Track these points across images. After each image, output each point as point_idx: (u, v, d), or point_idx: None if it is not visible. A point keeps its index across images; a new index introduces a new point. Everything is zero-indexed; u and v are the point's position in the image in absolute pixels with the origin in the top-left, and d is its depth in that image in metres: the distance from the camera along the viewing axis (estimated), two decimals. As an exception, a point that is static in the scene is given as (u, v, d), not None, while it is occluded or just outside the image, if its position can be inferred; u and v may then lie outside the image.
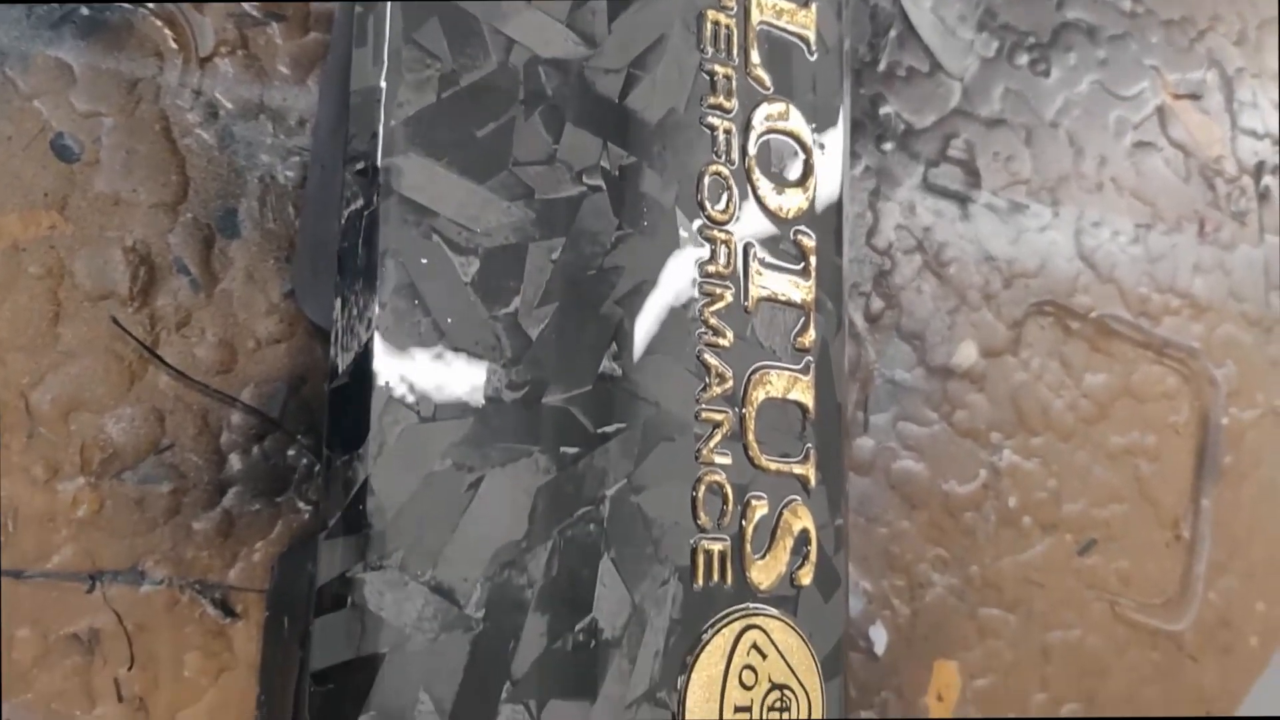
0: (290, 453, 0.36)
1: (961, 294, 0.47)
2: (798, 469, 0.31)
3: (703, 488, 0.29)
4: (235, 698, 0.34)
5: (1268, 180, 0.56)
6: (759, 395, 0.30)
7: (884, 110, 0.47)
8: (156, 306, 0.35)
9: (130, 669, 0.33)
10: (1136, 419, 0.50)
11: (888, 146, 0.47)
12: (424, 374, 0.26)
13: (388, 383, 0.26)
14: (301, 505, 0.35)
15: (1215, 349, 0.53)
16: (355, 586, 0.25)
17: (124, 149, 0.35)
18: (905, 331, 0.46)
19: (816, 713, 0.30)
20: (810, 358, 0.31)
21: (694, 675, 0.28)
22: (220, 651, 0.34)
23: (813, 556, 0.30)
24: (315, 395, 0.36)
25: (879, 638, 0.44)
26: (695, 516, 0.29)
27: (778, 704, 0.29)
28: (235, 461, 0.35)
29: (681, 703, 0.28)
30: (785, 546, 0.30)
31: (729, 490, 0.29)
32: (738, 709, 0.29)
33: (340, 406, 0.27)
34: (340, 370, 0.27)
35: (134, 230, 0.35)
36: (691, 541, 0.28)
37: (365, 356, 0.26)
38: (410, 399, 0.26)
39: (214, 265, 0.35)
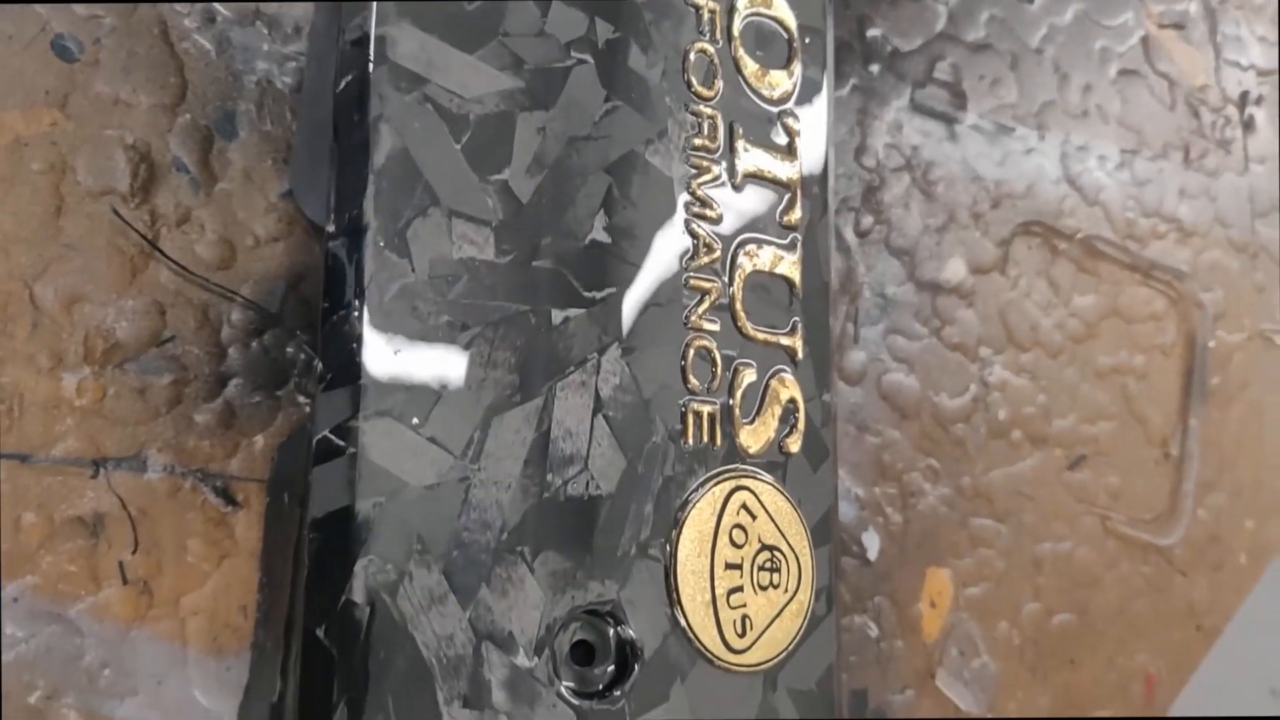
0: (289, 349, 0.36)
1: (950, 212, 0.48)
2: (785, 340, 0.31)
3: (692, 352, 0.29)
4: (237, 583, 0.34)
5: (1252, 110, 0.57)
6: (746, 266, 0.31)
7: (871, 33, 0.48)
8: (156, 204, 0.35)
9: (134, 553, 0.34)
10: (1124, 339, 0.51)
11: (875, 68, 0.48)
12: (417, 235, 0.27)
13: (382, 243, 0.27)
14: (301, 399, 0.36)
15: (1202, 273, 0.54)
16: (352, 435, 0.26)
17: (123, 51, 0.35)
18: (894, 247, 0.46)
19: (806, 577, 0.30)
20: (797, 235, 0.32)
21: (685, 530, 0.28)
22: (222, 539, 0.35)
23: (800, 426, 0.31)
24: (314, 293, 0.36)
25: (871, 543, 0.44)
26: (685, 379, 0.29)
27: (767, 564, 0.30)
28: (235, 355, 0.35)
29: (673, 556, 0.28)
30: (773, 414, 0.31)
31: (717, 356, 0.30)
32: (728, 565, 0.29)
33: (337, 264, 0.27)
34: (336, 230, 0.27)
35: (134, 130, 0.35)
36: (681, 403, 0.29)
37: (359, 218, 0.27)
38: (404, 259, 0.27)
39: (213, 165, 0.36)
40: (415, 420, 0.26)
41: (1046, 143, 0.50)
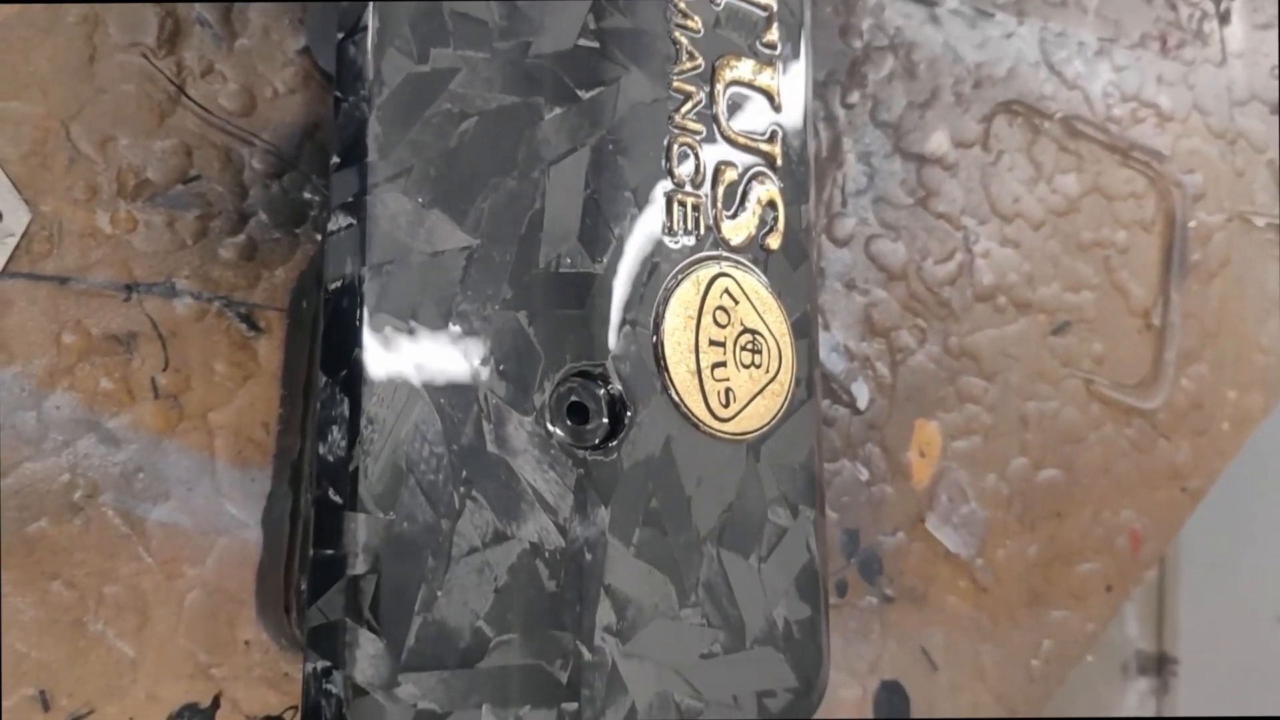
0: (306, 193, 0.39)
1: (932, 90, 0.50)
2: (764, 146, 0.33)
3: (676, 148, 0.31)
4: (260, 402, 0.37)
5: (1228, 4, 0.59)
6: (726, 76, 0.33)
7: (854, -79, 0.50)
8: (182, 56, 0.38)
9: (165, 370, 0.36)
10: (1105, 215, 0.53)
11: (858, -45, 0.50)
12: (420, 27, 0.29)
13: (389, 35, 0.29)
14: (319, 237, 0.38)
15: (1181, 157, 0.56)
16: (361, 206, 0.28)
17: (149, -84, 0.38)
18: (880, 120, 0.48)
19: (787, 361, 0.32)
20: (774, 54, 0.34)
21: (671, 305, 0.30)
22: (246, 361, 0.37)
23: (780, 226, 0.33)
24: (330, 141, 0.39)
25: (861, 393, 0.46)
26: (670, 172, 0.31)
27: (749, 345, 0.32)
28: (256, 194, 0.38)
29: (659, 328, 0.30)
30: (754, 212, 0.33)
31: (701, 154, 0.32)
32: (712, 342, 0.31)
33: (348, 56, 0.29)
34: (345, 34, 0.29)
35: (159, -12, 0.38)
36: (666, 192, 0.31)
37: (364, 19, 0.29)
38: (409, 48, 0.29)
39: (233, 23, 0.38)
40: (420, 198, 0.28)
41: (1025, 28, 0.52)
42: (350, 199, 0.28)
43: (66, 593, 0.34)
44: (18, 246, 0.35)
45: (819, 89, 0.47)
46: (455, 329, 0.28)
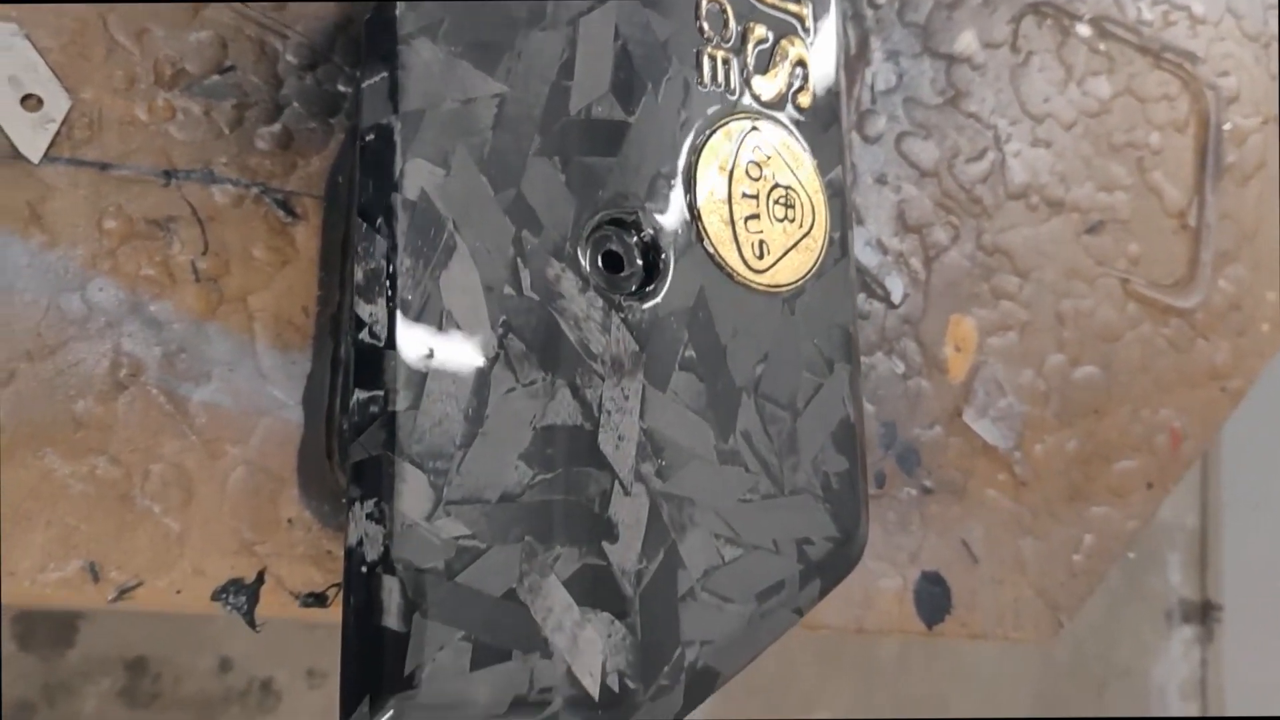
0: (340, 86, 0.39)
1: (960, -9, 0.49)
2: (793, 7, 0.33)
3: (705, 3, 0.32)
4: (299, 286, 0.37)
5: (1258, -92, 0.58)
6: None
7: None
8: (214, -48, 0.38)
9: (205, 254, 0.36)
10: (1138, 117, 0.52)
11: None
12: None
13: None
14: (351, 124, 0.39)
15: (1215, 60, 0.55)
16: (394, 56, 0.28)
17: None
18: (907, 20, 0.48)
19: (820, 217, 0.32)
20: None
21: (704, 156, 0.30)
22: (284, 246, 0.37)
23: (810, 85, 0.33)
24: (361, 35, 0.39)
25: (895, 287, 0.46)
26: (700, 30, 0.31)
27: (782, 199, 0.32)
28: (291, 85, 0.38)
29: (692, 178, 0.30)
30: (784, 70, 0.33)
31: (730, 13, 0.32)
32: (745, 195, 0.31)
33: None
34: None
35: (191, -115, 0.38)
36: (696, 48, 0.31)
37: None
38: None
39: (263, -80, 0.39)
40: (451, 47, 0.29)
41: (1053, -69, 0.52)
42: (384, 51, 0.29)
43: (113, 469, 0.34)
44: (59, 133, 0.35)
45: (846, -13, 0.47)
46: (488, 174, 0.28)
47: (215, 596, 0.35)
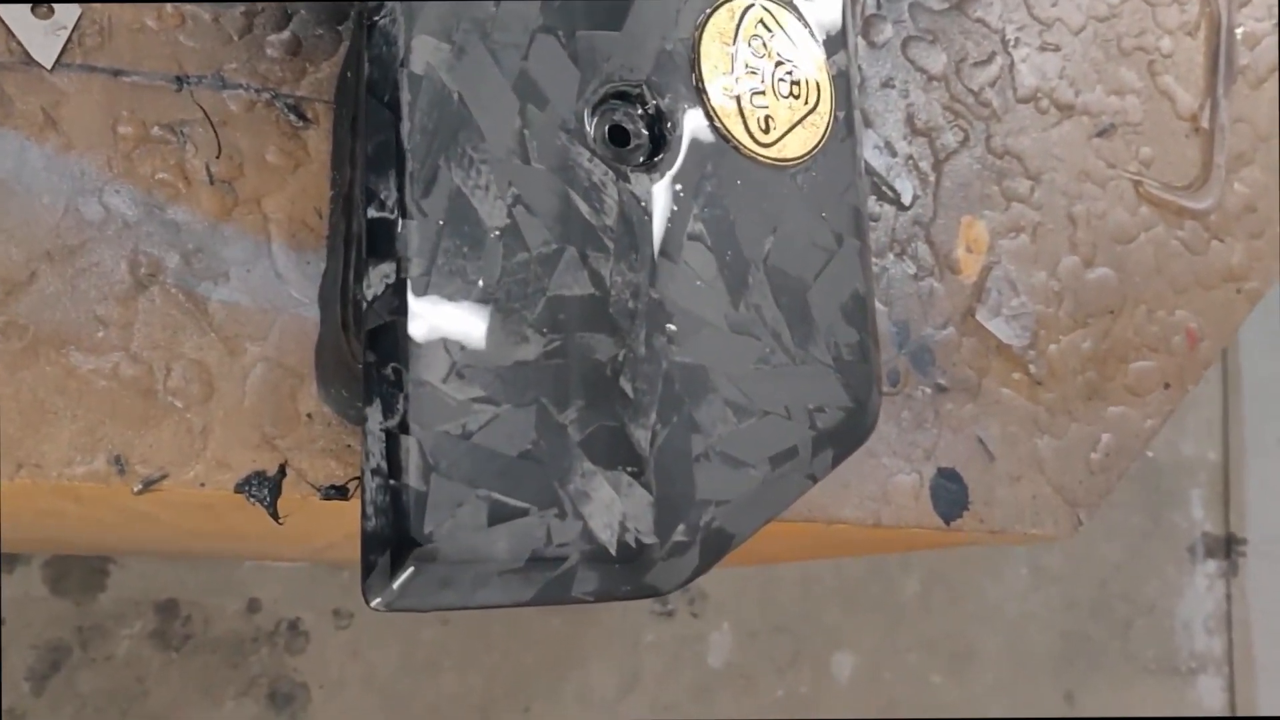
0: (347, -7, 0.39)
1: (965, -104, 0.49)
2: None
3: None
4: (312, 188, 0.37)
5: None
6: None
7: None
8: None
9: (218, 157, 0.37)
10: (1147, 21, 0.52)
11: None
12: None
13: None
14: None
15: (1224, -35, 0.55)
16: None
17: None
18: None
19: (825, 95, 0.32)
20: None
21: (708, 30, 0.31)
22: (296, 150, 0.38)
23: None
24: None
25: (905, 189, 0.46)
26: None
27: (787, 75, 0.32)
28: (298, -8, 0.39)
29: (697, 51, 0.30)
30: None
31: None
32: (749, 70, 0.31)
33: None
34: None
35: None
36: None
37: None
38: None
39: None
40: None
41: None
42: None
43: (135, 366, 0.35)
44: (70, 39, 0.36)
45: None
46: (492, 48, 0.29)
47: (239, 489, 0.36)
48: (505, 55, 0.29)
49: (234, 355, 0.36)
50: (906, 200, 0.45)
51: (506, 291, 0.28)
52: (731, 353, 0.30)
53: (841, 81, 0.33)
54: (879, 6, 0.46)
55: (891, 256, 0.45)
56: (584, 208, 0.29)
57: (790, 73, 0.32)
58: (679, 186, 0.30)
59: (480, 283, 0.28)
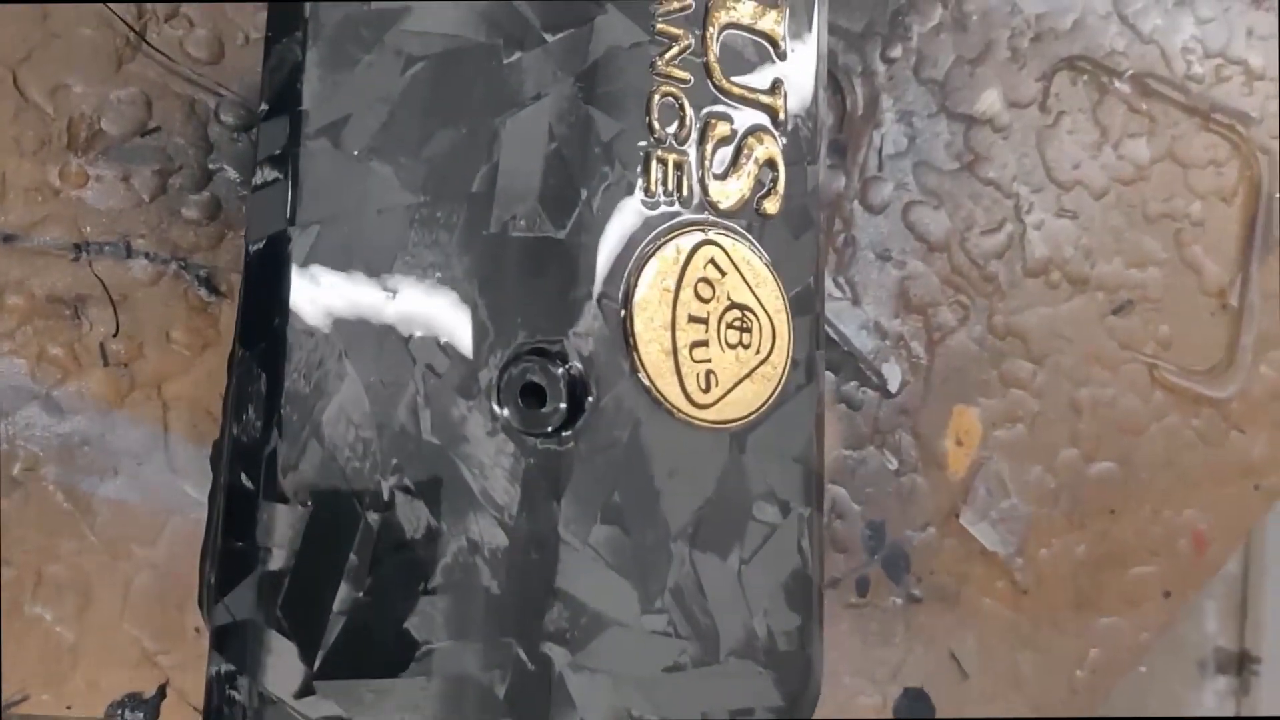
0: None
1: (985, 44, 0.45)
2: (765, 99, 0.29)
3: (658, 99, 0.27)
4: (220, 372, 0.34)
5: (1329, -49, 0.52)
6: (721, 19, 0.29)
7: None
8: (146, -1, 0.35)
9: (115, 335, 0.33)
10: (1179, 184, 0.47)
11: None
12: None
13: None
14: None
15: (1271, 121, 0.50)
16: (291, 159, 0.25)
17: None
18: (924, 78, 0.44)
19: (781, 342, 0.28)
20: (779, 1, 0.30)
21: (644, 276, 0.26)
22: (204, 328, 0.34)
23: (779, 188, 0.29)
24: (261, 87, 0.36)
25: (893, 375, 0.42)
26: (650, 127, 0.27)
27: (737, 322, 0.28)
28: (223, 149, 0.35)
29: (629, 301, 0.26)
30: (749, 173, 0.28)
31: (687, 106, 0.28)
32: (693, 319, 0.27)
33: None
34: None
35: (123, -76, 0.35)
36: (644, 147, 0.27)
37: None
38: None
39: (203, -37, 0.35)
40: (357, 150, 0.25)
41: (1095, -24, 0.47)
42: (278, 150, 0.25)
43: (4, 571, 0.31)
44: (-41, 201, 0.32)
45: (856, 42, 0.43)
46: (392, 299, 0.25)
47: (110, 712, 0.32)
48: (405, 309, 0.25)
49: (116, 561, 0.32)
50: (893, 387, 0.41)
51: (380, 587, 0.24)
52: (641, 654, 0.26)
53: (805, 321, 0.29)
54: (880, 167, 0.42)
55: (872, 448, 0.41)
56: (478, 488, 0.25)
57: (741, 318, 0.28)
58: (596, 459, 0.26)
59: (351, 577, 0.24)
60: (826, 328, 0.38)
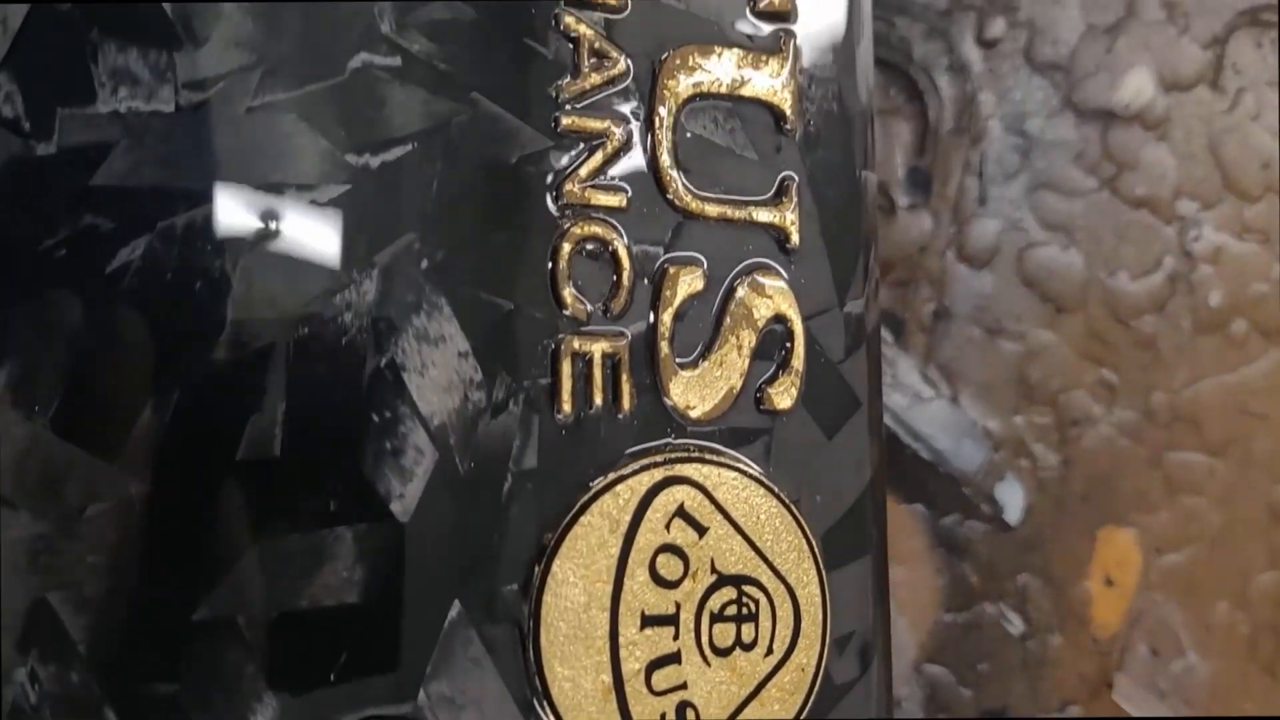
0: None
1: (1127, 4, 0.32)
2: (763, 214, 0.17)
3: (567, 249, 0.16)
4: None
5: None
6: (680, 85, 0.17)
7: None
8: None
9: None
10: None
11: None
12: None
13: None
14: None
15: None
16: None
17: None
18: (1039, 62, 0.31)
19: (809, 623, 0.17)
20: (787, 27, 0.18)
21: (559, 566, 0.15)
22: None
23: (797, 362, 0.17)
24: None
25: (1011, 499, 0.30)
26: (558, 300, 0.16)
27: (731, 609, 0.16)
28: None
29: (535, 617, 0.15)
30: (739, 346, 0.17)
31: (623, 252, 0.16)
32: (649, 619, 0.16)
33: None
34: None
35: None
36: (549, 342, 0.16)
37: None
38: None
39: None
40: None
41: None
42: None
43: None
44: None
45: (938, 23, 0.30)
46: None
47: None
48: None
49: None
50: (1012, 516, 0.29)
51: None
52: None
53: (853, 577, 0.17)
54: (982, 200, 0.30)
55: (984, 607, 0.29)
56: None
57: (739, 599, 0.16)
58: None
59: None
60: (913, 441, 0.27)
